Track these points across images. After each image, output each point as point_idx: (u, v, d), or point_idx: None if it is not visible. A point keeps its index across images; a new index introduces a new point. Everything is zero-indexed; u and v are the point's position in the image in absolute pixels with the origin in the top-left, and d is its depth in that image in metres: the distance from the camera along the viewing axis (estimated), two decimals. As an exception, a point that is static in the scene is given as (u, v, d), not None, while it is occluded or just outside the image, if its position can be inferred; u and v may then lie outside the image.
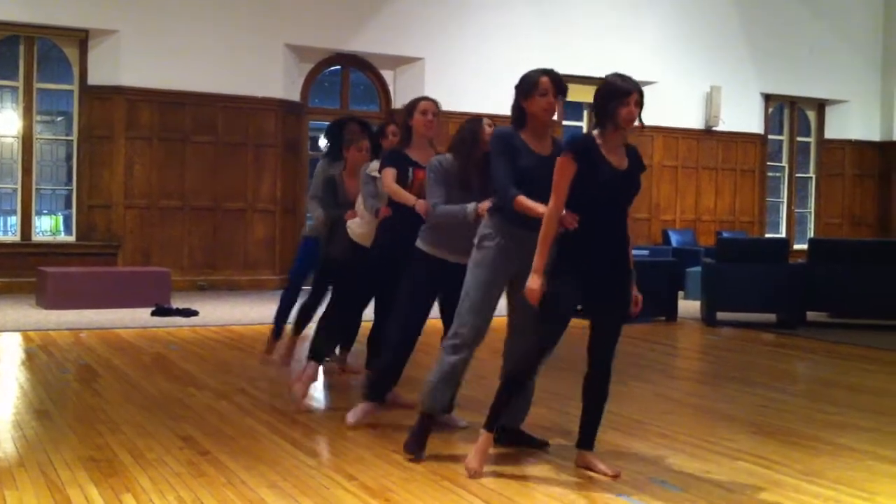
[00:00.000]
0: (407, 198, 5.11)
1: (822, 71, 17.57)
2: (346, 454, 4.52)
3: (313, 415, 5.50)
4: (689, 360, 8.60)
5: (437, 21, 14.35)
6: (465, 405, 5.28)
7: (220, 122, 13.11)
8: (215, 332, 8.95)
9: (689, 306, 11.33)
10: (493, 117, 4.98)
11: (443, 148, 5.18)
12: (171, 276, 11.27)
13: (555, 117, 4.60)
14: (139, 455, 4.40)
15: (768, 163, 17.58)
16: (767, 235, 17.21)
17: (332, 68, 14.37)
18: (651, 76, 15.25)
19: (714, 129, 16.69)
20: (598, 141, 4.10)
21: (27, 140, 12.54)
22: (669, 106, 15.70)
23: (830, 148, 18.17)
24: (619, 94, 4.03)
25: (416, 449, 4.44)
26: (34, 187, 12.62)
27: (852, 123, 18.06)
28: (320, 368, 5.97)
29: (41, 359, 7.22)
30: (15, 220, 12.66)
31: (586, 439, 4.32)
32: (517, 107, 4.48)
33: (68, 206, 12.99)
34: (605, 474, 4.16)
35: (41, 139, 12.86)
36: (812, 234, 17.71)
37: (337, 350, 6.79)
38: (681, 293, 11.64)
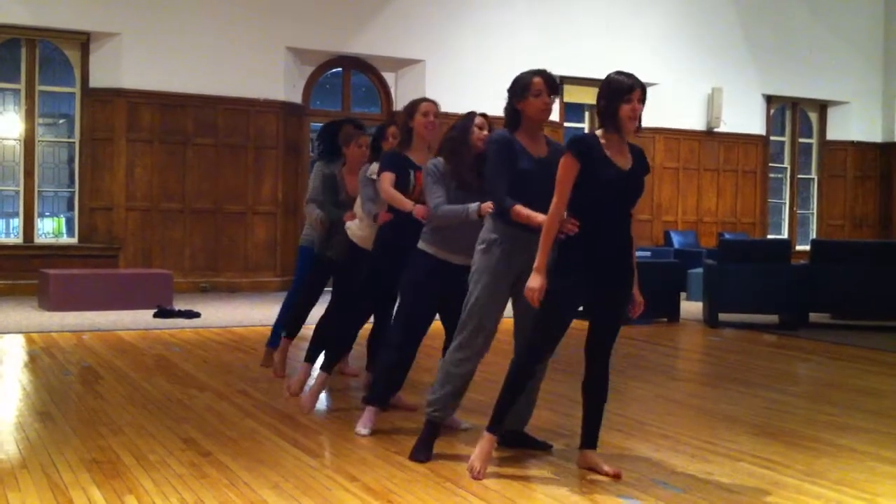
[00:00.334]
0: (404, 203, 5.08)
1: (823, 72, 17.58)
2: (348, 455, 4.52)
3: (315, 416, 5.50)
4: (690, 361, 8.60)
5: (437, 22, 14.36)
6: (470, 408, 5.28)
7: (221, 125, 13.12)
8: (217, 333, 8.96)
9: (690, 307, 11.33)
10: (493, 118, 4.96)
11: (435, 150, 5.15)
12: (172, 278, 11.27)
13: (555, 117, 4.60)
14: (141, 457, 4.40)
15: (770, 164, 17.58)
16: (769, 237, 17.21)
17: (334, 70, 14.38)
18: (653, 77, 15.25)
19: (716, 130, 16.70)
20: (602, 141, 4.09)
21: (29, 142, 12.55)
22: (671, 107, 15.71)
23: (832, 149, 18.17)
24: (621, 91, 4.02)
25: (423, 457, 4.44)
26: (36, 189, 12.64)
27: (854, 124, 18.06)
28: (314, 372, 5.94)
29: (43, 361, 7.23)
30: (17, 223, 12.67)
31: (589, 439, 4.32)
32: (511, 109, 4.47)
33: (70, 208, 13.00)
34: (606, 475, 4.16)
35: (43, 141, 12.87)
36: (814, 236, 17.72)
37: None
38: (682, 294, 11.64)
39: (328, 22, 13.72)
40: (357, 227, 5.94)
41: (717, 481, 4.17)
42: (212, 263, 13.13)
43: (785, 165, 18.04)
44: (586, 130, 15.85)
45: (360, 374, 6.31)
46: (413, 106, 5.40)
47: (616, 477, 4.14)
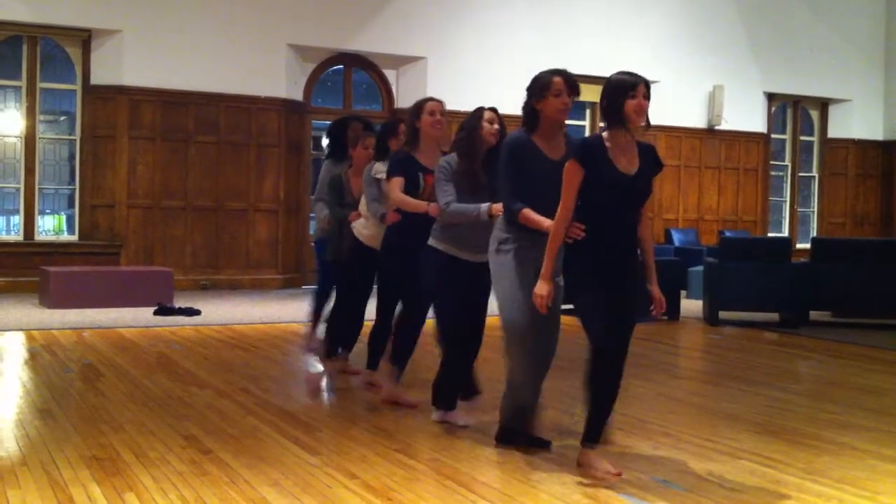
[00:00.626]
0: (418, 206, 5.11)
1: (825, 70, 17.56)
2: (349, 453, 4.52)
3: (316, 414, 5.50)
4: (691, 359, 8.59)
5: (439, 20, 14.36)
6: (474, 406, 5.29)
7: (223, 122, 13.12)
8: (218, 331, 8.96)
9: (691, 305, 11.33)
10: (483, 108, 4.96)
11: (448, 148, 5.16)
12: (173, 276, 11.27)
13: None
14: (142, 454, 4.40)
15: (771, 162, 17.57)
16: (770, 235, 17.19)
17: (335, 68, 14.37)
18: (654, 75, 15.12)
19: (717, 128, 16.68)
20: (608, 143, 4.05)
21: (30, 140, 12.55)
22: (672, 105, 15.69)
23: (833, 147, 18.15)
24: (626, 87, 3.99)
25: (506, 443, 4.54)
26: (37, 187, 12.64)
27: (855, 122, 18.05)
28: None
29: (44, 358, 7.23)
30: (18, 220, 12.67)
31: (587, 435, 4.23)
32: (529, 108, 4.45)
33: (71, 205, 13.00)
34: (604, 474, 4.11)
35: (44, 139, 12.87)
36: (815, 234, 17.70)
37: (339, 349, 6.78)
38: (683, 292, 11.64)
39: (329, 19, 13.71)
40: (363, 226, 5.95)
41: (718, 479, 4.17)
42: (213, 261, 13.13)
43: (786, 163, 18.03)
44: (587, 128, 15.86)
45: (362, 372, 6.31)
46: (419, 106, 5.41)
47: (616, 476, 4.11)
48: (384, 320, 5.88)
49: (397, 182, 5.26)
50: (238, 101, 13.14)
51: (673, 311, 10.42)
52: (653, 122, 4.22)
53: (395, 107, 14.24)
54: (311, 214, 14.05)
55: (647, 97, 4.02)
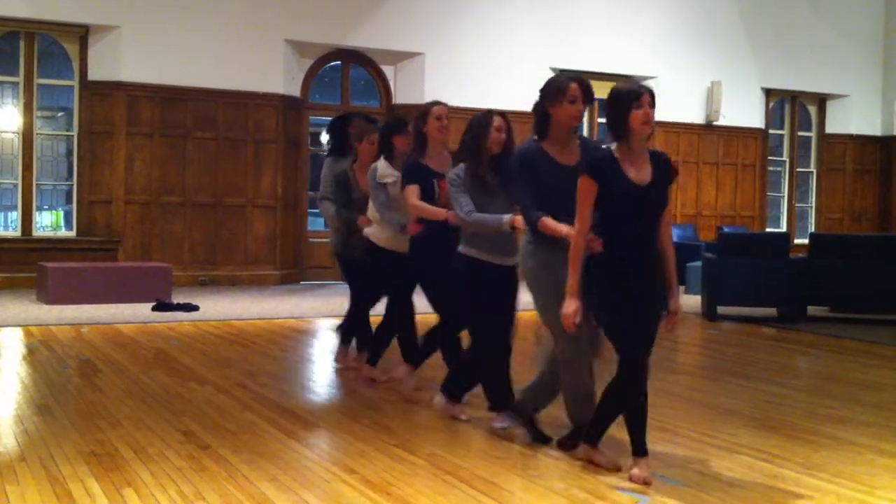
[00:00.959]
0: (436, 213, 5.12)
1: (822, 65, 17.55)
2: (347, 448, 4.53)
3: (314, 409, 5.50)
4: (689, 354, 8.60)
5: (437, 16, 14.33)
6: (477, 403, 5.28)
7: (221, 118, 13.10)
8: (216, 327, 8.96)
9: (689, 301, 11.32)
10: (498, 112, 4.95)
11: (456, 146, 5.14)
12: (171, 272, 11.26)
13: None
14: (140, 449, 4.40)
15: (769, 157, 17.56)
16: (768, 230, 17.20)
17: (333, 64, 14.34)
18: (651, 71, 15.24)
19: (715, 123, 16.68)
20: (617, 155, 4.01)
21: (27, 136, 12.53)
22: (670, 101, 15.64)
23: (831, 142, 18.15)
24: (630, 98, 3.96)
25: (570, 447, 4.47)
26: (35, 183, 12.62)
27: (853, 118, 18.04)
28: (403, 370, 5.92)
29: (42, 354, 7.23)
30: (15, 216, 12.66)
31: (589, 434, 4.26)
32: (542, 112, 4.42)
33: (69, 201, 12.99)
34: (608, 463, 4.14)
35: (41, 135, 12.85)
36: (813, 229, 17.70)
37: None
38: (682, 288, 11.62)
39: (327, 15, 13.69)
40: (379, 231, 5.86)
41: (716, 474, 4.18)
42: (211, 257, 13.12)
43: (784, 159, 18.03)
44: (585, 124, 15.84)
45: (362, 369, 6.32)
46: (426, 111, 5.42)
47: (616, 470, 4.13)
48: (395, 321, 5.90)
49: (413, 190, 5.25)
50: (236, 97, 13.13)
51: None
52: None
53: (393, 103, 14.23)
54: (310, 210, 14.08)
55: (653, 105, 3.98)
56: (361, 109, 13.46)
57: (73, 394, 5.77)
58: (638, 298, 4.02)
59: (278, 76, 13.38)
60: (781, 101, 17.90)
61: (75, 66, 12.60)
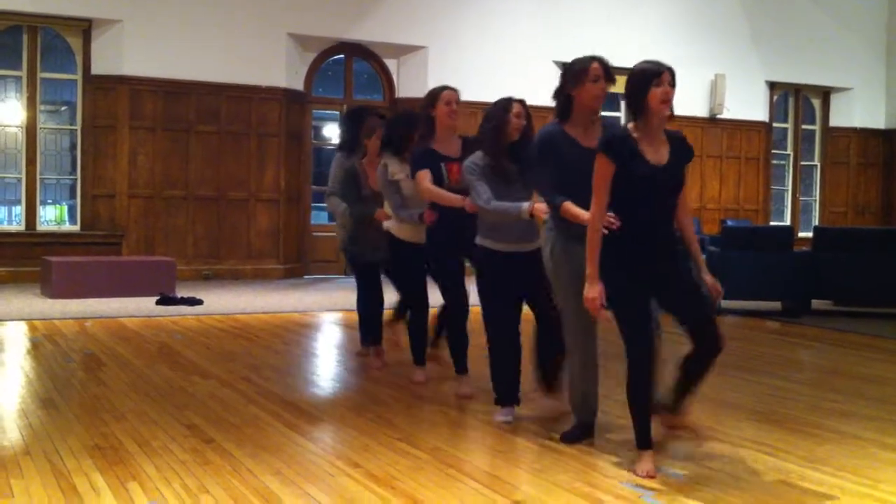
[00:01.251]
0: (452, 199, 5.08)
1: (826, 59, 17.51)
2: (351, 442, 4.53)
3: (318, 403, 5.51)
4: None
5: (440, 9, 14.32)
6: (483, 398, 5.28)
7: (224, 112, 13.10)
8: (219, 321, 8.97)
9: (693, 295, 11.30)
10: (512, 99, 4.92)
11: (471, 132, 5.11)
12: (175, 266, 11.27)
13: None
14: (144, 443, 4.41)
15: (773, 151, 17.54)
16: (772, 223, 17.18)
17: (336, 57, 14.34)
18: (655, 64, 15.19)
19: (718, 117, 16.66)
20: (635, 135, 3.96)
21: (31, 130, 12.54)
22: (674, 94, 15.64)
23: (835, 136, 18.12)
24: (649, 76, 3.91)
25: (569, 441, 4.47)
26: (38, 177, 12.63)
27: (857, 111, 18.01)
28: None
29: (46, 348, 7.24)
30: (19, 210, 12.67)
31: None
32: (564, 95, 4.39)
33: (72, 195, 13.00)
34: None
35: (45, 129, 12.86)
36: (817, 223, 17.68)
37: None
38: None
39: (330, 8, 13.68)
40: (399, 226, 5.82)
41: (719, 468, 4.17)
42: (214, 251, 13.13)
43: (788, 152, 18.00)
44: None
45: (366, 356, 6.35)
46: (434, 95, 5.38)
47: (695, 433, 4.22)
48: (405, 304, 5.94)
49: (425, 175, 5.21)
50: (239, 91, 13.13)
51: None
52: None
53: (396, 96, 14.23)
54: (314, 204, 14.09)
55: (673, 84, 3.93)
56: (365, 103, 13.46)
57: (77, 388, 5.78)
58: (661, 282, 4.01)
59: (281, 70, 13.37)
60: (785, 95, 17.87)
61: (78, 60, 12.61)
